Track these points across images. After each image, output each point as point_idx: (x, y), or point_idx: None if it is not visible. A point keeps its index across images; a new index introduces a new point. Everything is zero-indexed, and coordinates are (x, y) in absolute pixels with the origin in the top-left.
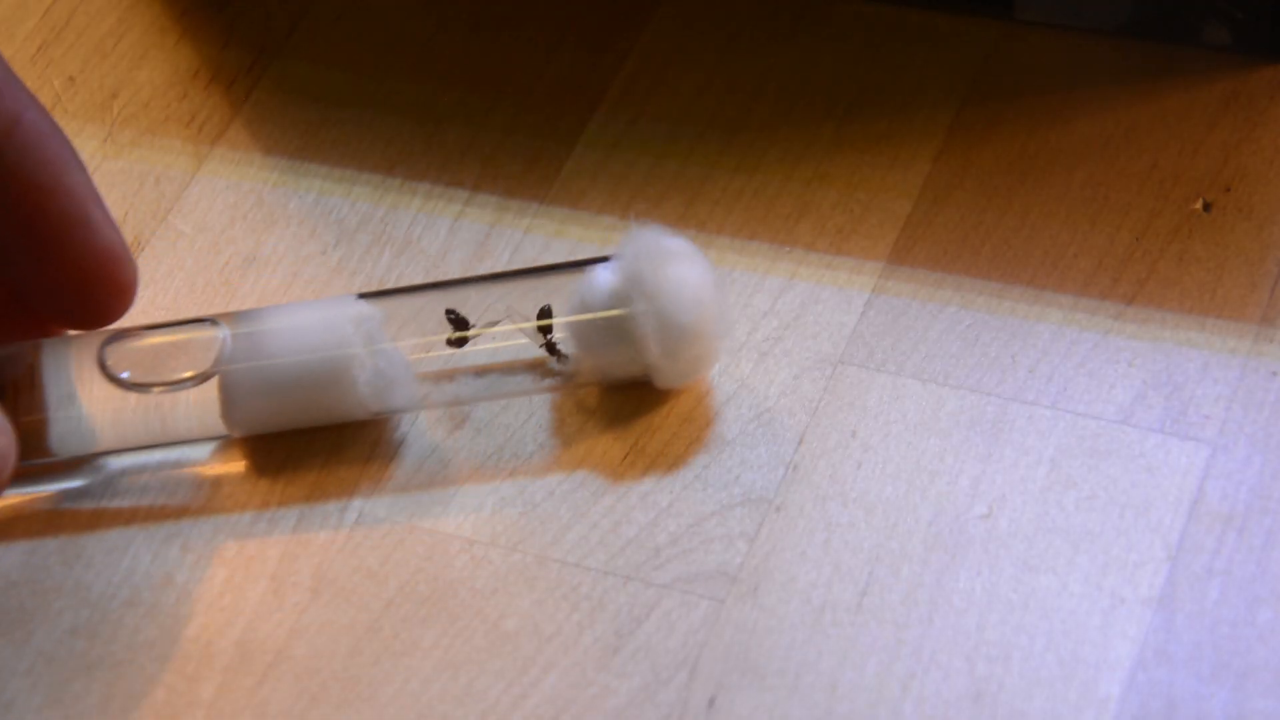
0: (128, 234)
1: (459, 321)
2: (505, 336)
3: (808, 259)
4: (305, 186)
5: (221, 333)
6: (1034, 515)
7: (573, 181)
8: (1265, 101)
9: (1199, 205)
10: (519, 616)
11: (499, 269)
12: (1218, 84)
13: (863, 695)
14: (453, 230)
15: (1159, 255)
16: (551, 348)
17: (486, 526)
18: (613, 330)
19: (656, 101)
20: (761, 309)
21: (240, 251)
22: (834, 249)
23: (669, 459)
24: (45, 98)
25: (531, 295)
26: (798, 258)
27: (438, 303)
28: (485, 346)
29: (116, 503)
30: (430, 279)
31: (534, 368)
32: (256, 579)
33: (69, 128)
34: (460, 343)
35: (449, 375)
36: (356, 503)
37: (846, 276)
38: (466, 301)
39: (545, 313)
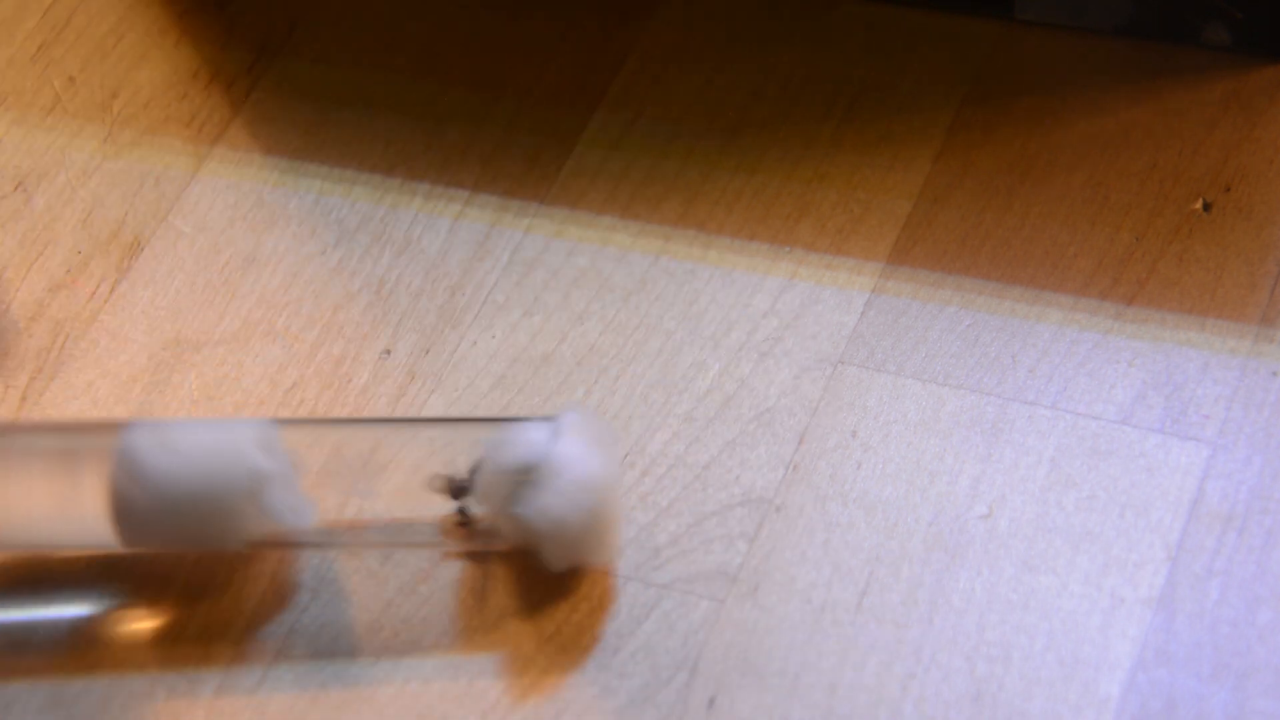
0: (127, 234)
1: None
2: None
3: (808, 259)
4: (305, 186)
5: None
6: (1034, 515)
7: (573, 181)
8: (1265, 101)
9: (1199, 205)
10: (518, 616)
11: (446, 414)
12: (1218, 84)
13: (863, 695)
14: (453, 230)
15: (1159, 255)
16: (463, 514)
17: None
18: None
19: (656, 101)
20: (761, 309)
21: (240, 251)
22: (834, 249)
23: (669, 459)
24: (45, 98)
25: (446, 446)
26: (798, 258)
27: (354, 438)
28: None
29: None
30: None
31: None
32: (256, 579)
33: (69, 128)
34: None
35: (357, 524)
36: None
37: (846, 276)
38: (384, 442)
39: (462, 486)
